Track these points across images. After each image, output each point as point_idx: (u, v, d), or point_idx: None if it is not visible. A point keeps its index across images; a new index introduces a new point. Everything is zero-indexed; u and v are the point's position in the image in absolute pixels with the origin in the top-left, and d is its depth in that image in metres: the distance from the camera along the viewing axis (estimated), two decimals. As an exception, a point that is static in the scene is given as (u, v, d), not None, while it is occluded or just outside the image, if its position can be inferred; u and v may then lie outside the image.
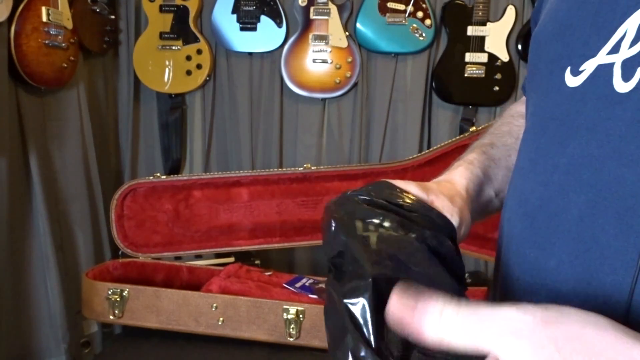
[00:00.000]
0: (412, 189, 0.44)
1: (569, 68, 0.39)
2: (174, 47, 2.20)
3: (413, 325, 0.29)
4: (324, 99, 2.28)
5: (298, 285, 1.76)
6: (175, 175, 2.13)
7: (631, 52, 0.35)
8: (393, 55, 2.22)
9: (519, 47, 2.16)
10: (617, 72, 0.35)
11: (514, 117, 0.64)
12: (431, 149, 1.94)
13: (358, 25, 2.17)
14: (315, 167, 1.95)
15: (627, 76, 0.35)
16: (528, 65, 0.65)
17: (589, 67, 0.37)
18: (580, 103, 0.38)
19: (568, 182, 0.38)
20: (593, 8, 0.39)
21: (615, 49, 0.36)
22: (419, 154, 1.93)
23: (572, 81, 0.39)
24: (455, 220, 0.45)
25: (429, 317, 0.29)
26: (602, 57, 0.36)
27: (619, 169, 0.35)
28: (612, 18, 0.36)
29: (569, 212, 0.38)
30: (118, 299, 1.63)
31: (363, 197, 0.36)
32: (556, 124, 0.41)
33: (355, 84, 2.23)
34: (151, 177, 1.93)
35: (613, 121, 0.35)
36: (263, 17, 2.20)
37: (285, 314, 1.56)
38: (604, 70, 0.36)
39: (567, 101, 0.39)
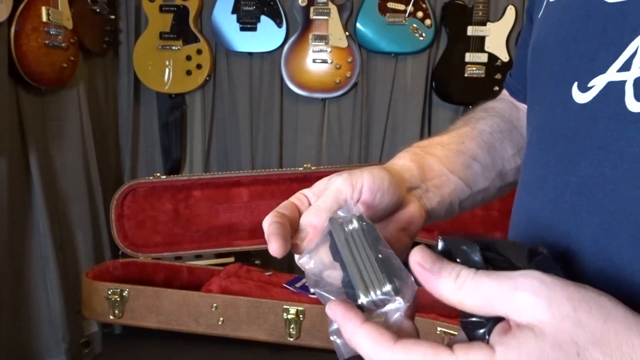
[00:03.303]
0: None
1: (575, 83, 0.39)
2: (174, 47, 2.20)
3: (430, 275, 0.30)
4: (324, 99, 2.28)
5: (298, 285, 1.76)
6: (175, 175, 2.13)
7: None
8: (393, 55, 2.22)
9: (519, 47, 2.16)
10: (629, 90, 0.34)
11: (475, 112, 0.64)
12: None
13: (358, 25, 2.17)
14: (315, 167, 1.95)
15: (639, 95, 0.34)
16: (518, 68, 0.63)
17: (598, 83, 0.37)
18: (591, 121, 0.37)
19: (580, 202, 0.37)
20: (600, 23, 0.38)
21: (626, 67, 0.35)
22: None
23: (580, 97, 0.38)
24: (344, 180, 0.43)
25: (446, 272, 0.30)
26: (612, 74, 0.36)
27: (633, 191, 0.34)
28: (622, 35, 0.36)
29: (582, 233, 0.37)
30: (118, 299, 1.63)
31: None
32: (565, 141, 0.40)
33: (355, 84, 2.23)
34: (151, 177, 1.93)
35: (627, 141, 0.34)
36: (263, 17, 2.20)
37: (285, 314, 1.56)
38: (615, 88, 0.35)
39: (576, 118, 0.38)
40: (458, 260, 0.32)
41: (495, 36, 2.13)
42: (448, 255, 0.33)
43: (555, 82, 0.42)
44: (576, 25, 0.40)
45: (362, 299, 0.33)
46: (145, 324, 1.64)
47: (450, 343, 0.30)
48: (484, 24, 2.12)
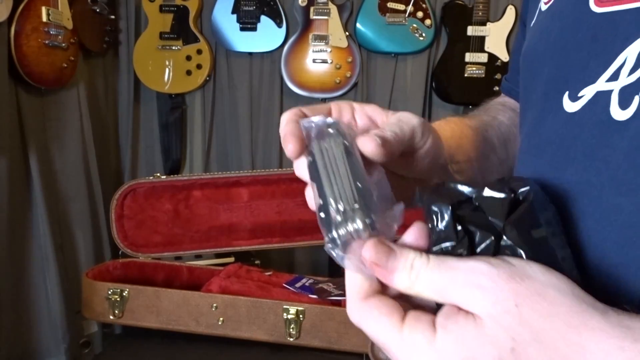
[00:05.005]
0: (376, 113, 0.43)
1: (567, 93, 0.39)
2: (174, 47, 2.20)
3: (385, 271, 0.31)
4: (324, 99, 2.28)
5: (298, 285, 1.76)
6: (175, 175, 2.13)
7: (629, 80, 0.34)
8: (393, 55, 2.22)
9: (519, 47, 2.16)
10: (614, 99, 0.35)
11: (491, 104, 0.64)
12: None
13: (358, 25, 2.17)
14: (315, 167, 1.95)
15: (624, 104, 0.34)
16: (513, 72, 0.64)
17: (588, 93, 0.37)
18: (577, 128, 0.37)
19: (567, 209, 0.38)
20: (589, 32, 0.38)
21: (614, 76, 0.35)
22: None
23: (570, 106, 0.38)
24: (414, 121, 0.42)
25: (400, 266, 0.31)
26: (601, 84, 0.36)
27: (616, 198, 0.34)
28: (613, 45, 0.36)
29: (569, 241, 0.37)
30: (118, 299, 1.63)
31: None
32: (553, 149, 0.40)
33: (355, 84, 2.23)
34: (151, 177, 1.93)
35: (611, 149, 0.35)
36: (263, 17, 2.20)
37: (285, 314, 1.56)
38: (602, 97, 0.36)
39: (564, 125, 0.39)
40: (428, 220, 0.33)
41: (495, 36, 2.13)
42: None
43: (546, 90, 0.42)
44: (564, 33, 0.41)
45: (335, 229, 0.33)
46: (145, 324, 1.64)
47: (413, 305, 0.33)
48: (484, 24, 2.12)
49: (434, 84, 2.23)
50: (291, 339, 1.57)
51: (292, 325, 1.56)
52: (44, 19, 1.76)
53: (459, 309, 0.30)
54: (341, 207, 0.33)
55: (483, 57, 2.14)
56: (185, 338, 1.65)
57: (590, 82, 0.37)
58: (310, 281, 1.81)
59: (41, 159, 1.86)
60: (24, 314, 1.86)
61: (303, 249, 2.26)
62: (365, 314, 0.32)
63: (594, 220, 0.36)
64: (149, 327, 1.64)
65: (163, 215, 1.94)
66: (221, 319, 1.59)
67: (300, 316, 1.56)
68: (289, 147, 0.37)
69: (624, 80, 0.34)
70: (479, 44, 2.14)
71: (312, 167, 0.35)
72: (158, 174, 1.96)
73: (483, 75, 2.14)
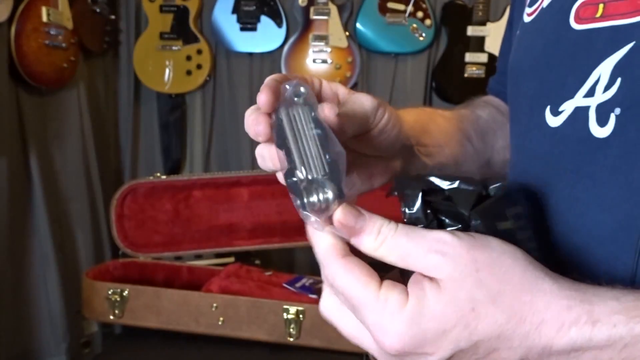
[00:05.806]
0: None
1: (548, 107, 0.40)
2: (174, 47, 2.20)
3: (353, 233, 0.33)
4: (324, 99, 2.28)
5: (298, 285, 1.76)
6: (175, 175, 2.14)
7: (605, 97, 0.36)
8: (393, 55, 2.22)
9: (519, 47, 2.16)
10: (592, 116, 0.36)
11: (474, 100, 0.66)
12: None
13: (358, 25, 2.17)
14: (315, 167, 1.95)
15: (602, 121, 0.36)
16: (501, 75, 0.65)
17: (567, 108, 0.38)
18: (562, 144, 0.39)
19: (555, 225, 0.39)
20: (569, 49, 0.39)
21: (590, 92, 0.37)
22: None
23: (552, 121, 0.40)
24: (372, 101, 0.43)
25: (368, 230, 0.33)
26: (579, 100, 0.37)
27: (601, 214, 0.36)
28: (588, 61, 0.37)
29: (556, 256, 0.39)
30: (118, 299, 1.63)
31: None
32: (541, 164, 0.41)
33: (355, 84, 2.23)
34: (151, 177, 1.93)
35: (596, 166, 0.36)
36: (263, 17, 2.20)
37: (285, 314, 1.56)
38: (581, 113, 0.37)
39: (549, 141, 0.40)
40: (402, 205, 0.35)
41: (495, 36, 2.13)
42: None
43: (531, 105, 0.43)
44: (547, 50, 0.42)
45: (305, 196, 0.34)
46: (145, 324, 1.65)
47: (387, 277, 0.34)
48: (483, 24, 2.12)
49: (434, 84, 2.23)
50: (291, 339, 1.57)
51: (292, 325, 1.56)
52: (44, 19, 1.76)
53: (424, 276, 0.32)
54: (310, 176, 0.34)
55: (483, 57, 2.14)
56: (185, 338, 1.65)
57: (569, 97, 0.38)
58: (310, 281, 1.81)
59: (41, 159, 1.86)
60: (24, 313, 1.87)
61: (303, 249, 2.26)
62: (345, 272, 0.33)
63: (579, 237, 0.37)
64: (149, 327, 1.65)
65: (163, 215, 1.95)
66: (221, 319, 1.59)
67: (300, 316, 1.56)
68: (261, 97, 0.36)
69: (600, 97, 0.36)
70: (478, 44, 2.14)
71: (279, 131, 0.36)
72: (158, 174, 1.96)
73: (483, 76, 2.14)
